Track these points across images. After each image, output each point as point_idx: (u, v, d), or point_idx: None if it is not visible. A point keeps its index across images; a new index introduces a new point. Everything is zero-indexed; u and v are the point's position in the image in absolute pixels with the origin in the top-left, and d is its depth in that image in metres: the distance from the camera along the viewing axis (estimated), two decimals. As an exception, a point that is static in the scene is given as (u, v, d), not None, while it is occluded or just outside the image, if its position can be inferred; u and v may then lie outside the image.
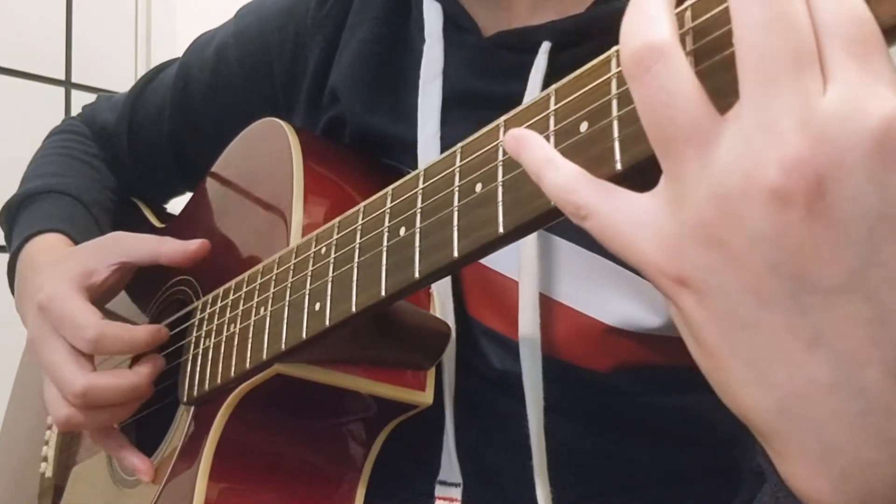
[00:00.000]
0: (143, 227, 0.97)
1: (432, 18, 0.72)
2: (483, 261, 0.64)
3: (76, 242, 0.86)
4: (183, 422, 0.73)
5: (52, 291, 0.74)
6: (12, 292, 0.90)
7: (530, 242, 0.62)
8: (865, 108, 0.27)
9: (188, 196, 0.91)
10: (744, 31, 0.29)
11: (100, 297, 0.76)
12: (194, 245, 0.73)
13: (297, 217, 0.66)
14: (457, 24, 0.71)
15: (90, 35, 1.84)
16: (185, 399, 0.72)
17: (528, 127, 0.39)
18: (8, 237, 0.94)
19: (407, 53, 0.74)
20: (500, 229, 0.40)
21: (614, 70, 0.35)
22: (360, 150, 0.76)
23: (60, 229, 0.87)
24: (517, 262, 0.62)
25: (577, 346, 0.63)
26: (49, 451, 0.91)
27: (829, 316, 0.28)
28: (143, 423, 0.83)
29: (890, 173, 0.27)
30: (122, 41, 1.90)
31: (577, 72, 0.37)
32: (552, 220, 0.39)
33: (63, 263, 0.77)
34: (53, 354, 0.72)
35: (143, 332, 0.72)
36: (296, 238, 0.65)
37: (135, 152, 0.98)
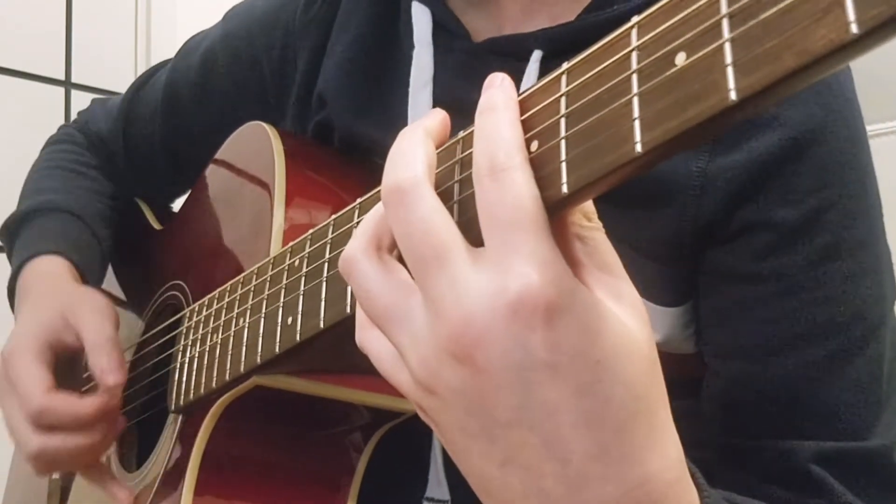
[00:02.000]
0: (143, 228, 0.98)
1: (421, 24, 0.70)
2: None
3: (74, 262, 0.86)
4: (172, 430, 0.73)
5: (12, 347, 0.74)
6: (12, 310, 0.89)
7: None
8: (504, 283, 0.34)
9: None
10: (396, 238, 0.37)
11: (65, 354, 0.76)
12: (111, 380, 0.71)
13: (278, 223, 0.66)
14: (446, 30, 0.69)
15: (90, 35, 1.85)
16: (172, 407, 0.72)
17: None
18: (9, 255, 0.93)
19: (395, 58, 0.72)
20: None
21: (564, 89, 0.35)
22: (348, 153, 0.75)
23: (57, 250, 0.86)
24: None
25: None
26: (55, 452, 0.91)
27: (509, 442, 0.36)
28: (139, 428, 0.83)
29: (528, 333, 0.34)
30: (121, 41, 1.90)
31: (531, 89, 0.37)
32: None
33: (38, 309, 0.77)
34: (11, 411, 0.73)
35: (88, 406, 0.71)
36: (276, 245, 0.65)
37: (131, 159, 0.98)
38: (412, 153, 0.38)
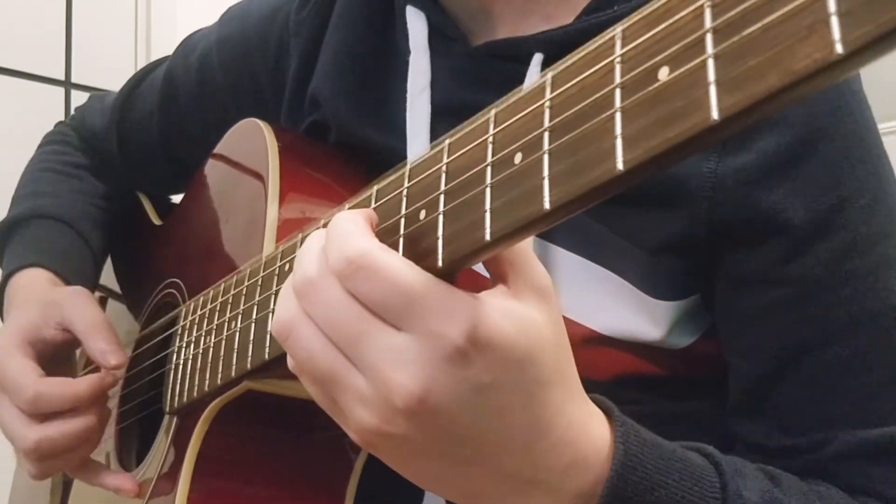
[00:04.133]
0: (142, 224, 0.98)
1: (416, 28, 0.69)
2: (477, 268, 0.64)
3: (55, 271, 0.86)
4: (167, 432, 0.72)
5: None
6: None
7: None
8: (427, 340, 0.38)
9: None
10: (319, 322, 0.41)
11: (47, 350, 0.76)
12: (114, 360, 0.72)
13: (272, 221, 0.66)
14: (443, 34, 0.69)
15: (90, 35, 1.85)
16: (167, 409, 0.72)
17: (467, 152, 0.38)
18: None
19: (391, 63, 0.72)
20: (440, 262, 0.39)
21: (548, 99, 0.34)
22: (345, 150, 0.74)
23: (38, 263, 0.86)
24: None
25: (575, 355, 0.62)
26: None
27: (468, 450, 0.42)
28: (135, 429, 0.83)
29: (467, 368, 0.39)
30: (121, 41, 1.90)
31: (517, 94, 0.36)
32: (486, 256, 0.39)
33: (19, 314, 0.78)
34: (2, 411, 0.72)
35: (84, 385, 0.71)
36: (269, 244, 0.64)
37: (126, 156, 0.98)
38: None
